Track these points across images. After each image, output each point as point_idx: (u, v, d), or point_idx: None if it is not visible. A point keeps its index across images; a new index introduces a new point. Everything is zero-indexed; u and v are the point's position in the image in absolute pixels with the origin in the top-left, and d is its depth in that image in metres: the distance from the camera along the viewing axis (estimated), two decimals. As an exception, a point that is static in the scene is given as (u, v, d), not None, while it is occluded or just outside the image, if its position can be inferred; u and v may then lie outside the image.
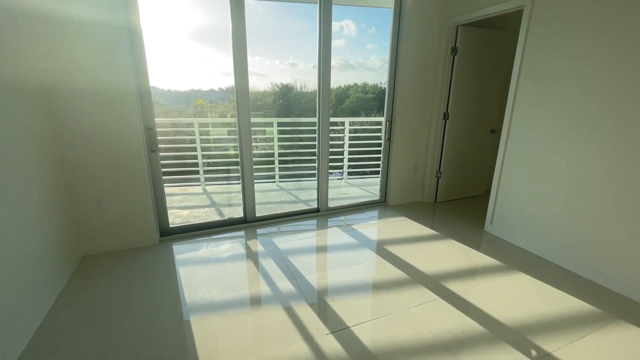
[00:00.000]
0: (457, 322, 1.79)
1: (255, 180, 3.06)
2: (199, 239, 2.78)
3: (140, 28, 2.28)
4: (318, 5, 2.81)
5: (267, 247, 2.65)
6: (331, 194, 3.35)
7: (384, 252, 2.58)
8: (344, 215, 3.38)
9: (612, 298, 2.04)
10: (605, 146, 2.10)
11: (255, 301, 1.95)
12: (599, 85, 2.10)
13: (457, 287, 2.12)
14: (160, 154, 2.64)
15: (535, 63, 2.46)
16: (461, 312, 1.88)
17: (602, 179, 2.13)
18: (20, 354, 1.55)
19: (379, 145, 5.04)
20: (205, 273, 2.25)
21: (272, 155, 4.64)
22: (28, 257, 1.75)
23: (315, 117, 3.15)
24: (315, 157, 3.30)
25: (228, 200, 3.98)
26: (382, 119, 3.51)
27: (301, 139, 4.86)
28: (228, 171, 4.71)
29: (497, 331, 1.73)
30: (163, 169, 4.55)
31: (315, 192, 3.37)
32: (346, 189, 4.59)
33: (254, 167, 3.03)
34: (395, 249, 2.63)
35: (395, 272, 2.29)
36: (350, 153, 4.88)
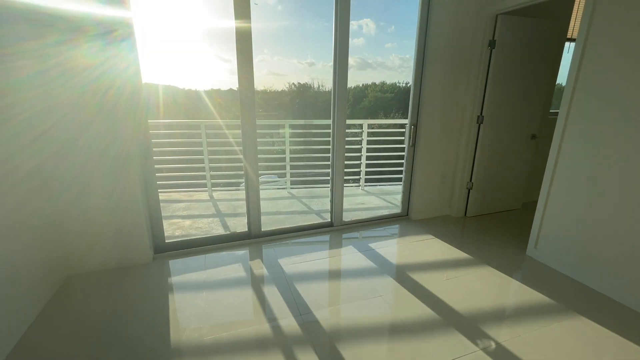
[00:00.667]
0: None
1: (264, 187, 2.72)
2: (197, 257, 2.48)
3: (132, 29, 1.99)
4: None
5: (272, 270, 2.31)
6: (346, 203, 2.98)
7: (408, 281, 2.18)
8: (361, 231, 3.00)
9: None
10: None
11: (251, 345, 1.61)
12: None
13: (500, 335, 1.70)
14: (165, 157, 2.35)
15: (602, 53, 1.99)
16: (510, 373, 1.47)
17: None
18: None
19: (401, 150, 4.63)
20: (198, 303, 1.93)
21: (284, 160, 4.31)
22: (-14, 287, 1.48)
23: (330, 118, 2.79)
24: (329, 162, 2.94)
25: (234, 209, 3.68)
26: (405, 121, 3.11)
27: (315, 143, 4.51)
28: (237, 176, 4.43)
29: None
30: (167, 174, 4.36)
31: (328, 200, 3.01)
32: (363, 197, 4.20)
33: (261, 172, 2.70)
34: (421, 277, 2.23)
35: (422, 310, 1.90)
36: (368, 158, 4.48)
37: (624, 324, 1.81)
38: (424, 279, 2.22)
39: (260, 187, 2.71)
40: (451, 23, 2.78)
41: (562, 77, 3.62)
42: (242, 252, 2.57)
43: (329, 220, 3.03)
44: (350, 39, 2.56)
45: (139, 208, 2.25)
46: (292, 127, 4.49)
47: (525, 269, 2.38)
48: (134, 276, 2.21)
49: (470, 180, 3.22)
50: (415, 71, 2.89)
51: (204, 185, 4.20)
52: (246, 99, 2.40)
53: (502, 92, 2.99)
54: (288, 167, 4.31)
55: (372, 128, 4.53)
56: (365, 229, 3.05)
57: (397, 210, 3.51)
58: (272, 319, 1.80)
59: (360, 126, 4.32)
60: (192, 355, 1.55)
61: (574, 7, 3.27)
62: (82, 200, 2.11)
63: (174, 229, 3.09)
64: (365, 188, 4.56)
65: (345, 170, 2.93)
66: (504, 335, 1.71)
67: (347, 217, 3.10)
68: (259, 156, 2.58)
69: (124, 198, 2.20)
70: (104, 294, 2.02)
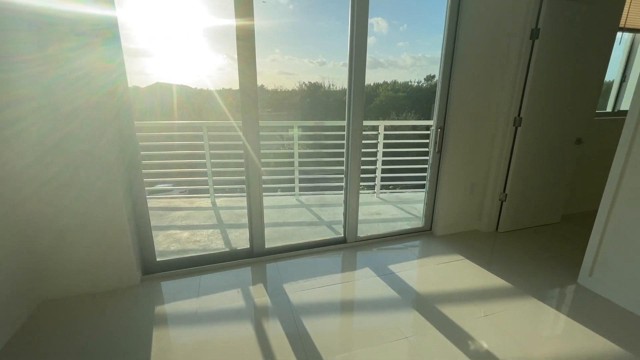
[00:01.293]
0: None
1: (270, 194, 2.39)
2: (192, 279, 2.17)
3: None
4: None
5: (276, 299, 1.97)
6: (360, 213, 2.62)
7: (438, 317, 1.81)
8: (378, 248, 2.63)
9: None
10: None
11: (247, 409, 1.28)
12: None
13: (565, 402, 1.32)
14: (167, 161, 2.04)
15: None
16: None
17: None
18: None
19: (420, 154, 4.24)
20: (186, 342, 1.61)
21: (292, 164, 3.97)
22: None
23: (344, 119, 2.44)
24: (342, 167, 2.59)
25: (237, 219, 3.37)
26: (427, 122, 2.73)
27: (326, 146, 4.16)
28: (242, 182, 4.12)
29: None
30: (168, 179, 4.08)
31: (340, 209, 2.66)
32: (378, 206, 3.82)
33: (264, 177, 2.37)
34: (453, 312, 1.86)
35: (459, 358, 1.53)
36: (384, 163, 4.10)
37: None
38: (456, 314, 1.84)
39: (264, 194, 2.38)
40: (487, 9, 2.39)
41: (610, 73, 3.18)
42: (242, 274, 2.24)
43: (342, 235, 2.67)
44: (357, 43, 2.21)
45: (124, 222, 1.95)
46: (302, 128, 4.15)
47: (579, 303, 1.98)
48: (117, 303, 1.91)
49: (504, 191, 2.81)
50: (443, 67, 2.50)
51: (206, 192, 3.91)
52: (248, 99, 2.08)
53: (544, 90, 2.57)
54: (297, 173, 3.97)
55: (389, 130, 4.14)
56: (383, 244, 2.68)
57: (418, 222, 3.13)
58: (273, 370, 1.46)
59: (376, 128, 3.94)
60: (170, 422, 1.23)
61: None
62: (56, 210, 1.82)
63: (170, 242, 2.80)
64: (381, 195, 4.19)
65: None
66: (570, 402, 1.32)
67: (362, 229, 2.74)
68: (265, 160, 2.25)
69: (104, 210, 1.89)
70: (81, 322, 1.72)
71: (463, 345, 1.61)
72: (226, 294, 2.01)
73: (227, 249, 2.46)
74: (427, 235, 2.86)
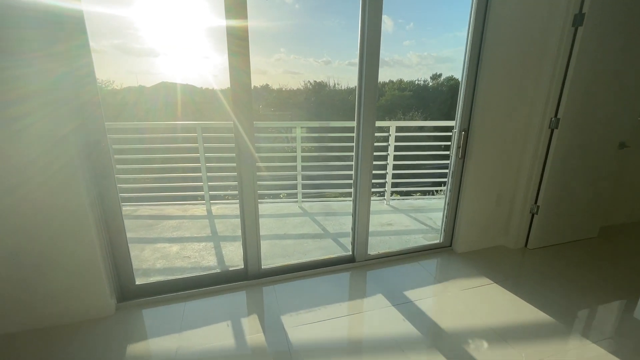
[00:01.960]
0: None
1: (270, 201, 2.07)
2: (175, 306, 1.86)
3: None
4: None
5: (272, 335, 1.65)
6: (370, 223, 2.29)
7: (470, 365, 1.48)
8: (391, 268, 2.30)
9: None
10: None
11: None
12: None
13: None
14: (161, 165, 1.74)
15: None
16: None
17: None
18: None
19: (435, 157, 3.89)
20: (158, 400, 1.30)
21: (294, 168, 3.65)
22: None
23: (349, 119, 2.11)
24: (349, 172, 2.26)
25: (234, 229, 3.05)
26: (447, 123, 2.38)
27: (332, 149, 3.83)
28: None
29: None
30: (159, 184, 3.77)
31: (348, 219, 2.34)
32: (389, 215, 3.48)
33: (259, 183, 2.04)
34: (487, 357, 1.52)
35: None
36: (395, 167, 3.75)
37: None
38: (490, 359, 1.50)
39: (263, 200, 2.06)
40: (521, -8, 2.04)
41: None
42: (235, 300, 1.92)
43: (350, 253, 2.34)
44: (369, 35, 1.88)
45: (92, 241, 1.64)
46: (307, 129, 3.83)
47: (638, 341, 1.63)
48: (86, 337, 1.61)
49: (536, 203, 2.46)
50: (469, 59, 2.14)
51: (202, 198, 3.60)
52: (240, 97, 1.76)
53: (587, 87, 2.21)
54: (300, 178, 3.64)
55: (400, 131, 3.78)
56: (397, 264, 2.35)
57: (434, 234, 2.80)
58: None
59: (388, 129, 3.60)
60: None
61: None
62: (5, 229, 1.52)
63: (157, 258, 2.49)
64: (392, 203, 3.84)
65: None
66: None
67: (371, 243, 2.41)
68: (265, 164, 1.93)
69: (67, 224, 1.59)
70: (32, 373, 1.42)
71: (505, 407, 1.28)
72: (213, 329, 1.69)
73: (218, 270, 2.15)
74: (447, 252, 2.51)
